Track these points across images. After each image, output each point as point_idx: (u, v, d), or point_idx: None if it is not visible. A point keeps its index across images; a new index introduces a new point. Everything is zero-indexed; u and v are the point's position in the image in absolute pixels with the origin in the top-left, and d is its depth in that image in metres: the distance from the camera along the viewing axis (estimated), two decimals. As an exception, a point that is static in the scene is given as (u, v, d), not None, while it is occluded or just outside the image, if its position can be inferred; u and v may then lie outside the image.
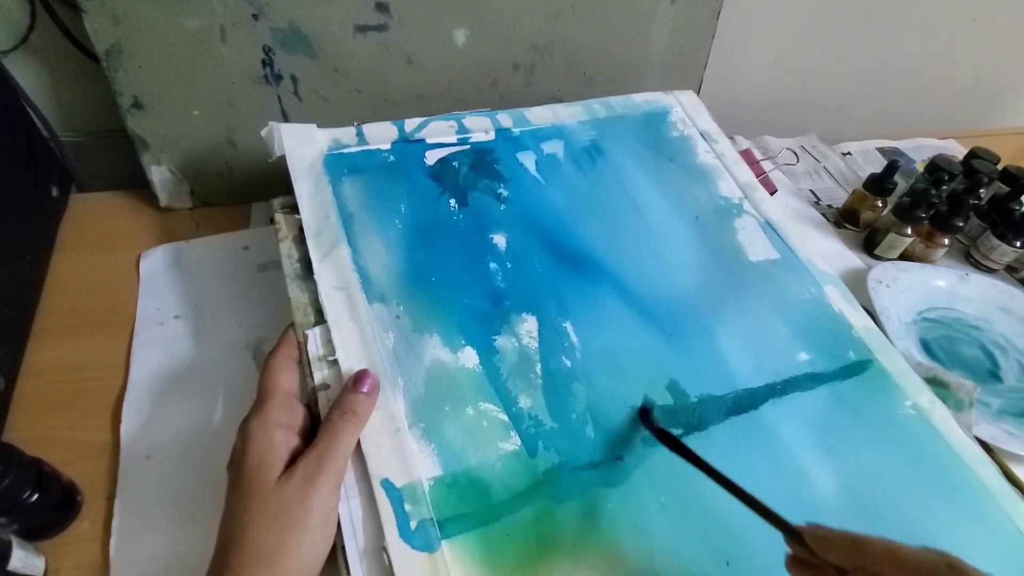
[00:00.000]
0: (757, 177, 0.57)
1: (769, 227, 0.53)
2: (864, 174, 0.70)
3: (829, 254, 0.63)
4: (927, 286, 0.59)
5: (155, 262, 0.54)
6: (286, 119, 0.58)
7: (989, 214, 0.65)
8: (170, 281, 0.52)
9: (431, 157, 0.50)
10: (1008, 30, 0.92)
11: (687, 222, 0.52)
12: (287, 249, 0.44)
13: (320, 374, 0.38)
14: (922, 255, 0.62)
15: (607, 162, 0.54)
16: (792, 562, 0.31)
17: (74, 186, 0.62)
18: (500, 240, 0.47)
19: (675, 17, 0.64)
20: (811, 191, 0.72)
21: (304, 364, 0.39)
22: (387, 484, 0.34)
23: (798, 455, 0.40)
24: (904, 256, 0.63)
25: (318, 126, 0.49)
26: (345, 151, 0.49)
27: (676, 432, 0.40)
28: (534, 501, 0.36)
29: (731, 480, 0.34)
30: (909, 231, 0.61)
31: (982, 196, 0.67)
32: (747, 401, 0.42)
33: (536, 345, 0.42)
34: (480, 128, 0.53)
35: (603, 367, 0.42)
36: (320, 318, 0.40)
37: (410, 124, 0.52)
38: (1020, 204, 0.64)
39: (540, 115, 0.56)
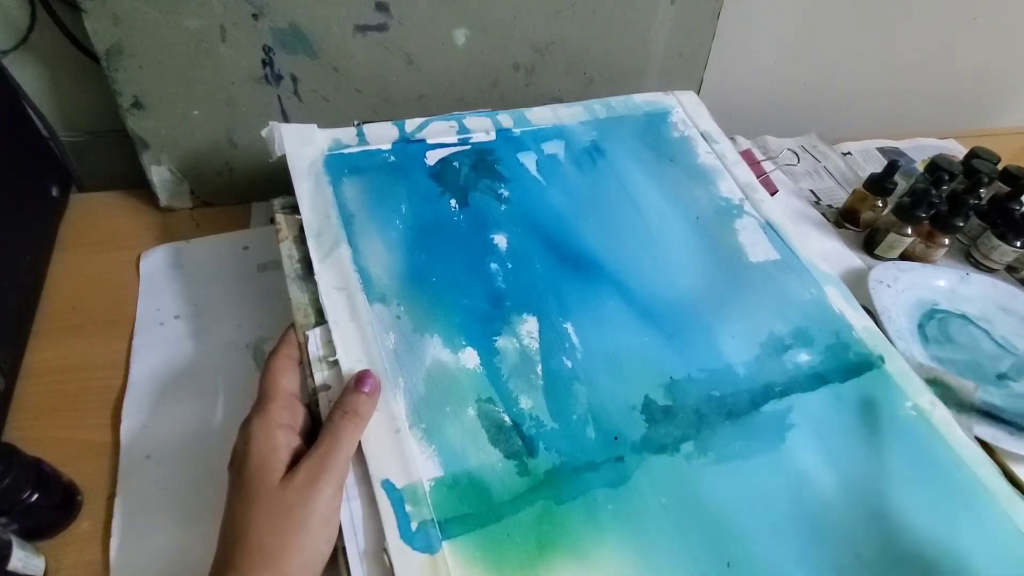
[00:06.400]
0: (758, 177, 0.57)
1: (770, 228, 0.53)
2: (864, 174, 0.70)
3: (829, 254, 0.63)
4: (927, 286, 0.59)
5: (155, 262, 0.54)
6: (286, 119, 0.58)
7: (989, 214, 0.65)
8: (170, 281, 0.52)
9: (432, 157, 0.50)
10: (1008, 30, 0.91)
11: (688, 223, 0.52)
12: (287, 249, 0.44)
13: (321, 375, 0.38)
14: (922, 255, 0.62)
15: (608, 163, 0.54)
16: None
17: (74, 186, 0.62)
18: (501, 240, 0.47)
19: (675, 17, 0.64)
20: (811, 191, 0.72)
21: (305, 365, 0.38)
22: (388, 485, 0.34)
23: (799, 456, 0.40)
24: (904, 256, 0.63)
25: (318, 126, 0.49)
26: (345, 151, 0.49)
27: (677, 434, 0.40)
28: (535, 502, 0.36)
29: None
30: (909, 231, 0.61)
31: (982, 196, 0.67)
32: (748, 402, 0.42)
33: (537, 346, 0.42)
34: (481, 128, 0.53)
35: (604, 368, 0.42)
36: (321, 319, 0.40)
37: (411, 124, 0.52)
38: (1020, 204, 0.64)
39: (541, 115, 0.56)
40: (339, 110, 0.58)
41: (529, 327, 0.43)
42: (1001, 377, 0.53)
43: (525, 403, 0.40)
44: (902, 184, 0.70)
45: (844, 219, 0.67)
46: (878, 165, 0.77)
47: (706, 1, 0.64)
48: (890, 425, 0.43)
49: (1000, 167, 0.69)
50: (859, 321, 0.48)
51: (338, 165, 0.48)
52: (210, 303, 0.51)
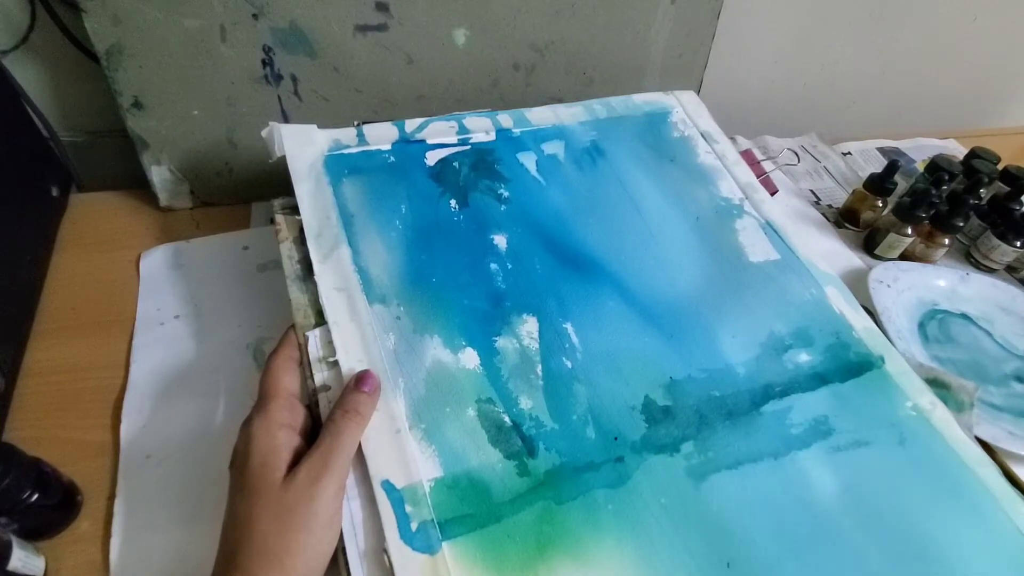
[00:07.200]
0: (758, 177, 0.57)
1: (770, 228, 0.53)
2: (864, 174, 0.70)
3: (829, 254, 0.63)
4: (928, 286, 0.59)
5: (155, 262, 0.54)
6: (286, 119, 0.58)
7: (989, 214, 0.65)
8: (170, 281, 0.52)
9: (432, 157, 0.50)
10: (1008, 30, 0.91)
11: (688, 223, 0.52)
12: (288, 250, 0.44)
13: (321, 375, 0.38)
14: (922, 255, 0.62)
15: (608, 163, 0.54)
16: None
17: (74, 186, 0.62)
18: (501, 241, 0.47)
19: (675, 17, 0.64)
20: (811, 191, 0.72)
21: (304, 366, 0.38)
22: (388, 485, 0.34)
23: (798, 456, 0.40)
24: (904, 256, 0.63)
25: (318, 126, 0.49)
26: (345, 152, 0.49)
27: (677, 434, 0.40)
28: (535, 502, 0.36)
29: None
30: (909, 231, 0.61)
31: (982, 196, 0.67)
32: (748, 402, 0.42)
33: (537, 346, 0.42)
34: (480, 128, 0.53)
35: (604, 368, 0.42)
36: (321, 319, 0.40)
37: (410, 124, 0.52)
38: (1020, 204, 0.64)
39: (540, 115, 0.56)
40: (339, 110, 0.58)
41: (529, 327, 0.43)
42: (1003, 378, 0.53)
43: (525, 403, 0.40)
44: (902, 184, 0.70)
45: (844, 219, 0.67)
46: (878, 165, 0.77)
47: (706, 1, 0.64)
48: (890, 425, 0.43)
49: (1000, 167, 0.69)
50: (859, 321, 0.48)
51: (338, 165, 0.48)
52: (210, 303, 0.51)
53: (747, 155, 0.60)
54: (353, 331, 0.40)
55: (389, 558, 0.32)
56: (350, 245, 0.44)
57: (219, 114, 0.55)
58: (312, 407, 0.37)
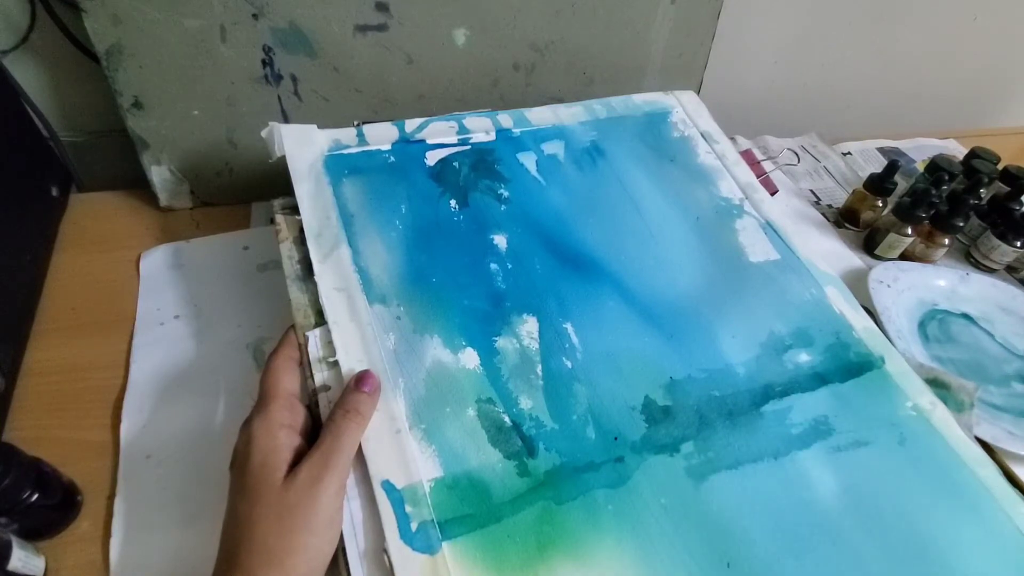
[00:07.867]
0: (758, 178, 0.57)
1: (770, 228, 0.53)
2: (864, 174, 0.70)
3: (829, 254, 0.63)
4: (928, 286, 0.59)
5: (155, 262, 0.54)
6: (286, 119, 0.58)
7: (989, 214, 0.65)
8: (170, 281, 0.52)
9: (431, 158, 0.50)
10: (1008, 30, 0.91)
11: (688, 223, 0.52)
12: (288, 250, 0.44)
13: (321, 375, 0.38)
14: (922, 255, 0.62)
15: (608, 163, 0.54)
16: None
17: (74, 186, 0.62)
18: (501, 241, 0.47)
19: (675, 17, 0.64)
20: (811, 191, 0.72)
21: (305, 366, 0.38)
22: (388, 486, 0.34)
23: (798, 456, 0.40)
24: (904, 256, 0.63)
25: (318, 126, 0.49)
26: (345, 152, 0.49)
27: (677, 434, 0.40)
28: (535, 502, 0.36)
29: None
30: (909, 231, 0.61)
31: (982, 196, 0.67)
32: (748, 402, 0.42)
33: (537, 346, 0.42)
34: (480, 128, 0.53)
35: (604, 368, 0.42)
36: (321, 319, 0.40)
37: (410, 124, 0.52)
38: (1020, 204, 0.64)
39: (541, 115, 0.56)
40: (339, 110, 0.58)
41: (529, 327, 0.43)
42: (1004, 378, 0.53)
43: (525, 403, 0.40)
44: (902, 184, 0.70)
45: (844, 219, 0.67)
46: (878, 165, 0.77)
47: (706, 1, 0.64)
48: (890, 425, 0.43)
49: (1000, 167, 0.69)
50: (859, 321, 0.48)
51: (338, 166, 0.48)
52: (210, 303, 0.51)
53: (747, 155, 0.60)
54: (353, 331, 0.40)
55: (389, 558, 0.32)
56: (350, 245, 0.44)
57: (219, 114, 0.55)
58: (312, 407, 0.37)
